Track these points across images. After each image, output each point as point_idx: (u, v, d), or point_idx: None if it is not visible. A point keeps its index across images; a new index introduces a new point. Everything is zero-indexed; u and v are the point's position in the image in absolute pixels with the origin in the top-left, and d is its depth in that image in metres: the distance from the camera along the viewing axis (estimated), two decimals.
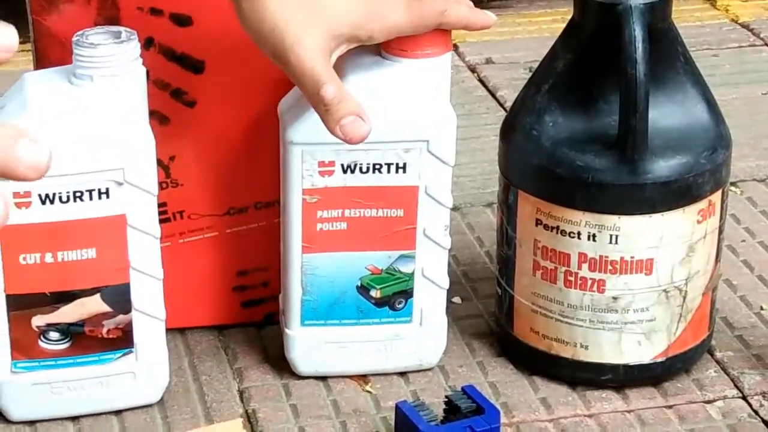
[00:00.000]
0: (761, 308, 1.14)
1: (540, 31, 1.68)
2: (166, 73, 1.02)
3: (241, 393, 1.04)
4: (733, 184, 1.32)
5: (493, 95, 1.51)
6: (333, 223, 1.00)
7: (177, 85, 1.03)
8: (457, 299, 1.15)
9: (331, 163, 0.98)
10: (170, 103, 1.03)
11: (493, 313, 1.10)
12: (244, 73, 1.03)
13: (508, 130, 1.04)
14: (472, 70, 1.59)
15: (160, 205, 1.00)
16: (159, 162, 1.00)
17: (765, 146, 1.40)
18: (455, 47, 1.64)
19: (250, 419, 1.01)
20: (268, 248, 1.07)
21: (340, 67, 0.97)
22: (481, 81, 1.56)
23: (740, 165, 1.34)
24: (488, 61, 1.60)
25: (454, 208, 1.29)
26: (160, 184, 1.00)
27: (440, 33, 0.97)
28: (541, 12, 1.75)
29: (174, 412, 1.01)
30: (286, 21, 0.89)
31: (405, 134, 0.98)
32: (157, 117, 1.02)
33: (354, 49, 0.97)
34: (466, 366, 1.07)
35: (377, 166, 0.98)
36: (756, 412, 1.02)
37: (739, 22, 1.71)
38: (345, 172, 0.98)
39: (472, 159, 1.36)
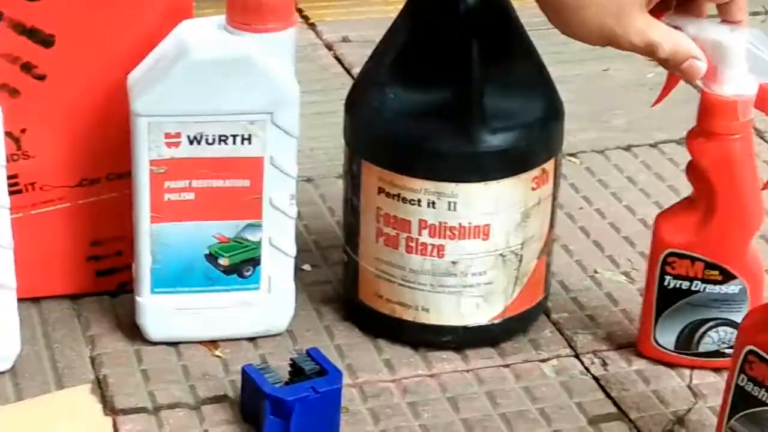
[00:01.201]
0: (595, 272, 1.20)
1: (396, 11, 1.70)
2: (16, 46, 1.04)
3: (92, 360, 1.06)
4: (573, 155, 1.38)
5: (349, 72, 1.56)
6: (180, 194, 1.03)
7: (27, 58, 1.04)
8: (307, 266, 1.18)
9: (177, 135, 1.01)
10: (20, 76, 1.05)
11: (341, 279, 1.14)
12: (94, 47, 1.05)
13: (351, 103, 1.08)
14: (329, 48, 1.63)
15: (11, 177, 1.02)
16: (9, 134, 1.02)
17: (604, 119, 1.46)
18: (313, 26, 1.68)
19: (100, 385, 1.04)
20: (121, 218, 1.09)
21: (186, 38, 1.00)
22: (337, 58, 1.60)
23: (581, 137, 1.40)
24: (345, 40, 1.65)
25: (308, 180, 1.33)
26: (11, 156, 1.02)
27: (284, 7, 1.00)
28: None
29: (25, 380, 1.03)
30: (607, 18, 0.95)
31: (250, 106, 1.01)
32: (7, 90, 1.04)
33: (199, 23, 1.01)
34: (314, 330, 1.11)
35: (223, 138, 1.01)
36: (588, 369, 1.07)
37: None
38: (191, 143, 1.01)
39: (326, 132, 1.39)
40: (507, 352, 1.09)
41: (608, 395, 1.05)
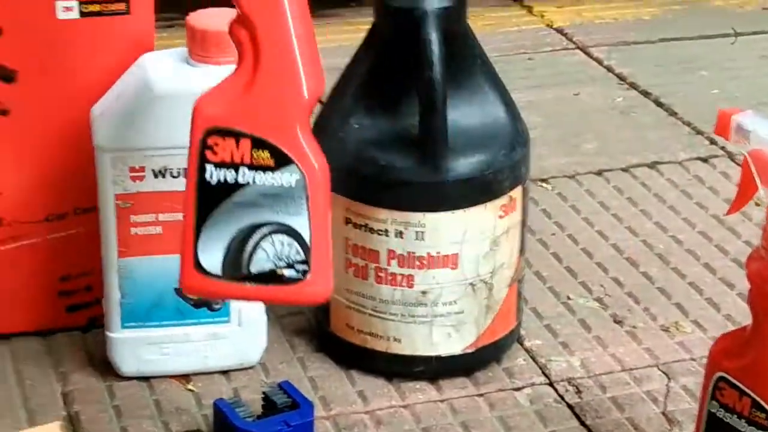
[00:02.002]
0: (568, 298, 1.19)
1: (361, 39, 1.71)
2: None
3: (64, 396, 1.06)
4: (544, 180, 1.38)
5: (319, 100, 1.55)
6: (147, 228, 1.02)
7: None
8: None
9: (142, 169, 1.00)
10: None
11: (312, 310, 1.14)
12: (56, 81, 1.04)
13: (316, 133, 1.07)
14: None
15: None
16: None
17: (574, 143, 1.46)
18: None
19: (72, 421, 1.03)
20: (89, 253, 1.09)
21: (147, 72, 1.00)
22: None
23: (551, 162, 1.40)
24: None
25: None
26: None
27: None
28: (369, 20, 1.78)
29: None
30: None
31: None
32: None
33: (161, 56, 1.00)
34: (287, 363, 1.10)
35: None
36: (562, 398, 1.07)
37: (554, 27, 1.78)
38: (156, 177, 1.01)
39: None
40: (481, 381, 1.08)
41: (583, 423, 1.04)
